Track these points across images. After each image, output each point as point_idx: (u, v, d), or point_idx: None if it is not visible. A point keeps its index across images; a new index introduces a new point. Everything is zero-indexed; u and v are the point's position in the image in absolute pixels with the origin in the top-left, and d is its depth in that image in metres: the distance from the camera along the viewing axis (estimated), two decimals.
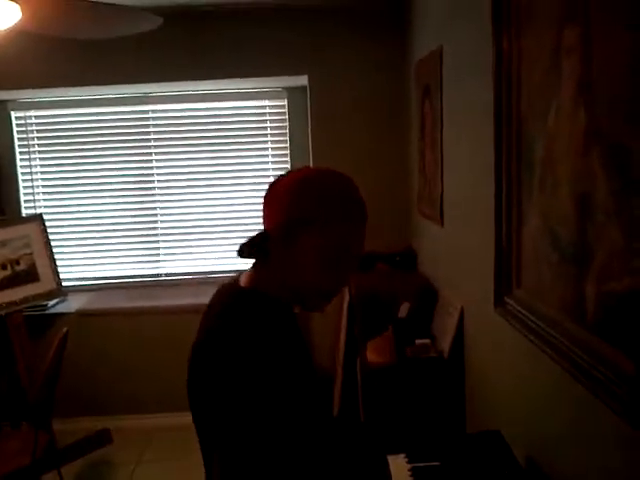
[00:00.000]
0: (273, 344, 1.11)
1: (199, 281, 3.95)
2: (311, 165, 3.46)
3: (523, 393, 1.66)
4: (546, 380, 1.46)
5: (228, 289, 1.25)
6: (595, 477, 1.22)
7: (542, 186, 1.44)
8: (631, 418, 1.01)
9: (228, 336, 1.09)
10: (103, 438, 3.46)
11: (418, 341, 2.42)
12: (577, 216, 1.25)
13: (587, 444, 1.26)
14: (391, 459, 1.62)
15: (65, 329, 2.80)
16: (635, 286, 1.02)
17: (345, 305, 3.41)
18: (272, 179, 1.23)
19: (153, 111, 3.90)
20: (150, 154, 3.93)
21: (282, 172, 1.23)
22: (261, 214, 1.21)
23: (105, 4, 1.93)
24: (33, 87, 3.57)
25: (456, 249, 2.40)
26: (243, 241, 1.21)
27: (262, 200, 1.20)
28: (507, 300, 1.69)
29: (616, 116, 1.08)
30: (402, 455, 1.63)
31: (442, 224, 2.60)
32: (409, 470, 1.56)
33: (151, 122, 3.91)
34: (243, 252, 1.21)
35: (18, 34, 2.12)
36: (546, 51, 1.37)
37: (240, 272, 1.29)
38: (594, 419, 1.20)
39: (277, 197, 1.15)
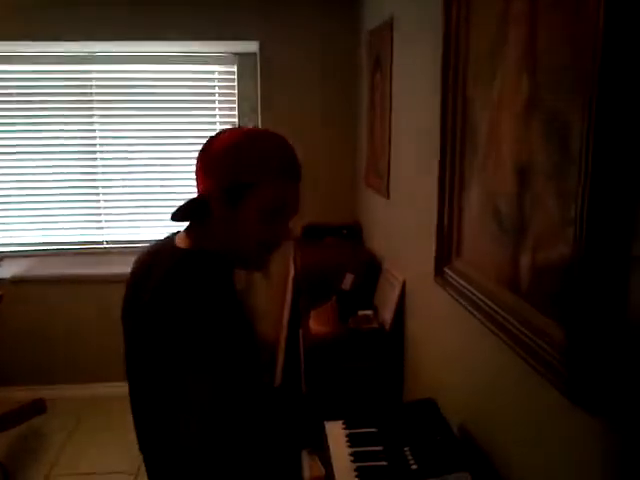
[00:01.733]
0: (219, 303, 1.13)
1: (139, 249, 3.84)
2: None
3: (460, 363, 1.70)
4: (483, 350, 1.49)
5: (168, 250, 1.23)
6: (529, 448, 1.25)
7: (485, 156, 1.45)
8: (564, 388, 1.04)
9: (177, 294, 1.10)
10: (37, 408, 3.37)
11: (361, 312, 2.43)
12: (516, 188, 1.26)
13: (522, 414, 1.28)
14: (329, 425, 1.64)
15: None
16: (567, 254, 1.03)
17: (290, 277, 3.40)
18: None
19: (96, 71, 3.72)
20: (92, 117, 3.76)
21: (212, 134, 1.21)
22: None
23: None
24: None
25: (401, 221, 2.42)
26: (178, 205, 1.21)
27: (198, 163, 1.19)
28: (446, 270, 1.71)
29: (557, 87, 1.09)
30: (340, 422, 1.65)
31: (388, 196, 2.60)
32: (346, 436, 1.58)
33: (94, 83, 3.73)
34: (179, 216, 1.22)
35: None
36: (494, 20, 1.36)
37: (169, 236, 1.27)
38: (530, 389, 1.22)
39: (213, 161, 1.16)
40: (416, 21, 2.14)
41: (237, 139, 1.16)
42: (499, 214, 1.36)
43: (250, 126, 1.29)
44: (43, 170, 3.82)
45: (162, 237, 1.31)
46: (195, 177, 1.21)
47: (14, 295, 3.45)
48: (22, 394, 3.48)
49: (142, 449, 1.24)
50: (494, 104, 1.38)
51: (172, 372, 1.06)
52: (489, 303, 1.40)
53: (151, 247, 1.30)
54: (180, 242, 1.23)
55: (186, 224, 1.26)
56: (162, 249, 1.26)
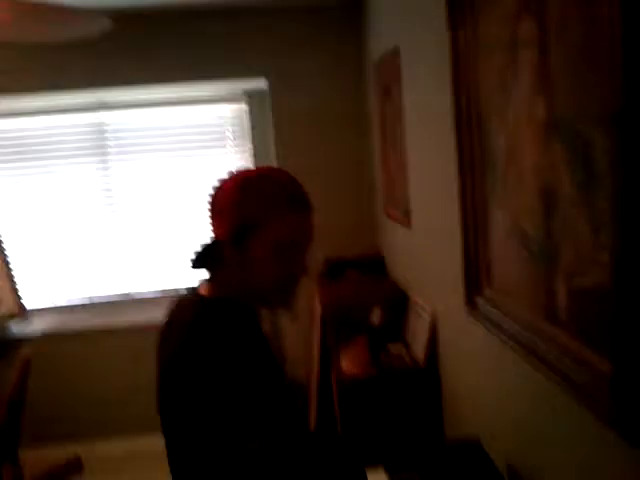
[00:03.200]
0: (247, 350, 1.13)
1: (166, 297, 3.84)
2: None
3: (500, 397, 1.62)
4: (523, 383, 1.42)
5: (191, 301, 1.25)
6: None
7: (506, 183, 1.40)
8: (610, 421, 0.97)
9: (203, 346, 1.10)
10: (74, 466, 3.33)
11: (392, 348, 2.36)
12: (542, 212, 1.21)
13: (568, 449, 1.21)
14: (370, 472, 1.57)
15: (27, 355, 2.68)
16: (603, 280, 0.98)
17: (317, 314, 3.35)
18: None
19: (109, 120, 3.75)
20: (108, 167, 3.79)
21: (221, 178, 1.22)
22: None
23: (48, 5, 1.84)
24: None
25: (424, 251, 2.36)
26: (194, 253, 1.23)
27: (208, 209, 1.21)
28: (478, 300, 1.64)
29: (575, 107, 1.05)
30: (381, 467, 1.58)
31: (409, 226, 2.56)
32: None
33: (107, 133, 3.76)
34: (196, 263, 1.23)
35: None
36: (502, 45, 1.33)
37: (195, 286, 1.27)
38: (574, 422, 1.16)
39: (221, 204, 1.17)
40: (422, 49, 2.12)
41: (240, 180, 1.18)
42: (528, 240, 1.30)
43: (256, 167, 1.29)
44: (65, 224, 3.82)
45: (192, 285, 1.31)
46: (209, 225, 1.22)
47: (45, 351, 3.44)
48: (57, 452, 3.44)
49: None
50: (510, 129, 1.34)
51: (205, 424, 1.05)
52: (525, 333, 1.34)
53: (180, 296, 1.31)
54: (202, 290, 1.24)
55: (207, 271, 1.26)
56: (187, 298, 1.27)
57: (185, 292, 1.31)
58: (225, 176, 1.23)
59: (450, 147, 1.73)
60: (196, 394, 1.07)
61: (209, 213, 1.21)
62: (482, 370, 1.77)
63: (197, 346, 1.11)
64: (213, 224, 1.20)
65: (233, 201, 1.15)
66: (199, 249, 1.24)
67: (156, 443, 1.21)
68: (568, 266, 1.13)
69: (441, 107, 1.85)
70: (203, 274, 1.27)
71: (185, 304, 1.26)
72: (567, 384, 1.14)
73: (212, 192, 1.21)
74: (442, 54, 1.72)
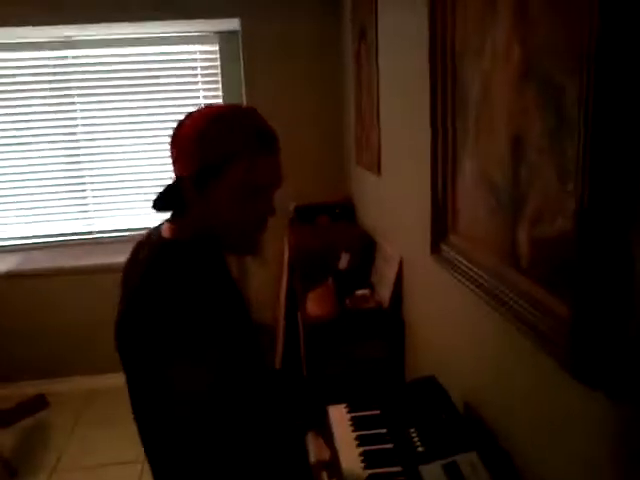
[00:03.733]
0: (204, 293, 1.10)
1: (132, 237, 3.79)
2: None
3: (461, 340, 1.67)
4: (483, 326, 1.47)
5: (151, 243, 1.22)
6: (532, 423, 1.24)
7: (478, 129, 1.40)
8: (567, 363, 1.01)
9: (160, 287, 1.08)
10: (38, 403, 3.36)
11: (358, 292, 2.41)
12: (512, 158, 1.22)
13: (525, 390, 1.26)
14: (332, 409, 1.62)
15: None
16: (567, 228, 1.00)
17: (285, 259, 3.37)
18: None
19: (75, 57, 3.63)
20: (74, 104, 3.68)
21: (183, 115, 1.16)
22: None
23: None
24: None
25: (394, 198, 2.38)
26: (156, 194, 1.19)
27: (170, 147, 1.15)
28: (442, 247, 1.67)
29: (549, 51, 1.04)
30: (343, 405, 1.63)
31: (380, 173, 2.56)
32: (350, 419, 1.56)
33: (73, 69, 3.64)
34: (158, 205, 1.19)
35: None
36: None
37: (159, 225, 1.25)
38: (532, 364, 1.20)
39: (183, 142, 1.11)
40: None
41: (204, 118, 1.10)
42: (495, 187, 1.32)
43: (214, 104, 1.23)
44: (27, 162, 3.74)
45: (155, 225, 1.28)
46: (171, 164, 1.17)
47: (8, 290, 3.42)
48: (22, 390, 3.47)
49: (143, 441, 1.22)
50: (484, 73, 1.33)
51: (163, 365, 1.04)
52: (488, 279, 1.37)
53: (142, 237, 1.28)
54: (165, 231, 1.21)
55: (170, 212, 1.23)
56: (149, 238, 1.24)
57: (148, 232, 1.27)
58: (188, 113, 1.15)
59: (423, 92, 1.71)
60: (152, 333, 1.06)
61: (171, 151, 1.15)
62: (444, 313, 1.81)
63: (154, 287, 1.09)
64: (176, 163, 1.14)
65: (197, 139, 1.08)
66: (161, 190, 1.19)
67: (118, 381, 1.22)
68: (533, 214, 1.15)
69: (416, 49, 1.82)
70: (166, 215, 1.23)
71: (147, 245, 1.22)
72: (527, 328, 1.17)
73: (174, 129, 1.15)
74: None
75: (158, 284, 1.09)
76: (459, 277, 1.54)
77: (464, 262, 1.51)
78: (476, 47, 1.36)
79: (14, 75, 3.62)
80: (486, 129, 1.35)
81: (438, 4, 1.56)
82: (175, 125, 1.15)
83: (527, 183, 1.16)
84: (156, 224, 1.28)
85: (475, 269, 1.45)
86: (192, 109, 1.17)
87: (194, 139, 1.09)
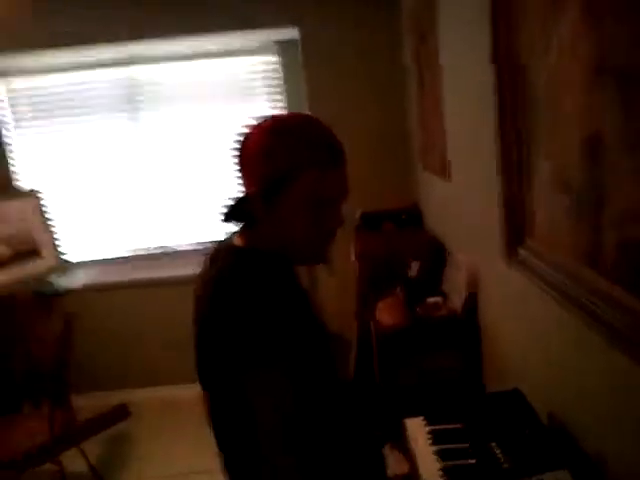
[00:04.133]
0: (281, 300, 1.10)
1: (202, 250, 3.87)
2: None
3: (541, 347, 1.60)
4: (565, 333, 1.40)
5: (224, 253, 1.22)
6: (620, 432, 1.17)
7: (549, 129, 1.34)
8: None
9: (236, 297, 1.07)
10: (120, 413, 3.47)
11: (429, 299, 2.35)
12: (589, 158, 1.15)
13: (610, 398, 1.19)
14: (409, 422, 1.58)
15: (69, 309, 2.77)
16: None
17: (354, 267, 3.35)
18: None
19: (139, 72, 3.73)
20: (139, 119, 3.79)
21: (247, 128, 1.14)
22: None
23: None
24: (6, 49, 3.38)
25: (463, 202, 2.31)
26: (225, 207, 1.20)
27: (236, 162, 1.15)
28: (519, 251, 1.61)
29: (626, 45, 0.98)
30: (420, 418, 1.59)
31: (447, 177, 2.50)
32: (428, 433, 1.51)
33: (139, 87, 3.75)
34: (228, 217, 1.20)
35: None
36: None
37: (227, 238, 1.26)
38: (617, 371, 1.14)
39: (250, 158, 1.11)
40: None
41: (267, 134, 1.09)
42: (572, 188, 1.25)
43: (277, 114, 1.21)
44: (104, 178, 3.87)
45: (224, 237, 1.29)
46: (239, 178, 1.17)
47: (87, 303, 3.55)
48: (103, 400, 3.58)
49: (221, 451, 1.23)
50: (554, 70, 1.27)
51: (238, 375, 1.04)
52: (569, 283, 1.31)
53: (213, 249, 1.29)
54: (237, 241, 1.21)
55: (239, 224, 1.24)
56: (221, 248, 1.25)
57: (217, 246, 1.27)
58: (254, 123, 1.14)
59: (489, 93, 1.66)
60: (231, 341, 1.06)
61: (237, 165, 1.14)
62: (523, 320, 1.74)
63: (232, 294, 1.09)
64: (243, 177, 1.14)
65: (264, 153, 1.07)
66: (230, 203, 1.19)
67: (198, 390, 1.24)
68: (617, 215, 1.08)
69: (479, 50, 1.76)
70: (235, 227, 1.24)
71: (219, 255, 1.23)
72: (610, 332, 1.11)
73: (240, 143, 1.14)
74: None
75: (236, 291, 1.09)
76: (538, 281, 1.47)
77: (542, 266, 1.45)
78: (543, 42, 1.30)
79: (82, 92, 3.75)
80: (558, 128, 1.29)
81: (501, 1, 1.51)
82: (240, 139, 1.14)
83: (608, 183, 1.09)
84: (224, 237, 1.28)
85: (554, 273, 1.38)
86: (256, 120, 1.16)
87: (261, 154, 1.08)
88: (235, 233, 1.24)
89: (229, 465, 1.22)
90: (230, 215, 1.20)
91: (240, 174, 1.15)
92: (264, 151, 1.07)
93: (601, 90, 1.07)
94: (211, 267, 1.21)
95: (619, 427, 1.18)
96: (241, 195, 1.17)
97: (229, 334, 1.06)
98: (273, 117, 1.15)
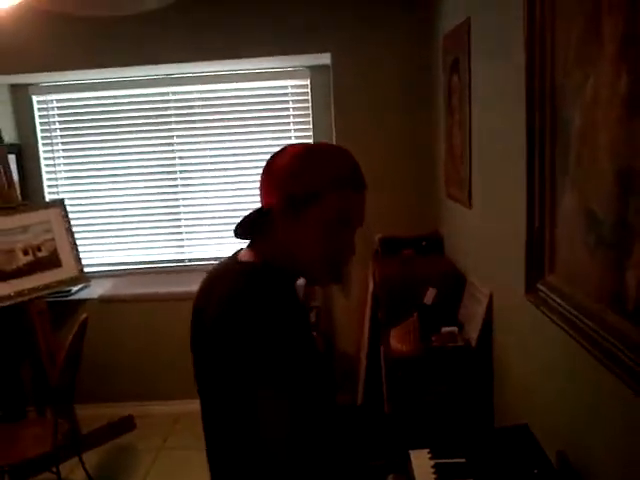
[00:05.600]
0: (285, 314, 1.10)
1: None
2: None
3: (555, 384, 1.56)
4: (580, 373, 1.36)
5: (230, 268, 1.22)
6: (631, 474, 1.12)
7: (579, 162, 1.32)
8: None
9: (244, 307, 1.08)
10: (126, 425, 3.46)
11: (444, 329, 2.31)
12: (618, 193, 1.13)
13: (622, 440, 1.15)
14: (414, 454, 1.54)
15: (84, 316, 2.77)
16: None
17: (370, 291, 3.32)
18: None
19: (174, 93, 3.83)
20: (172, 137, 3.87)
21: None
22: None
23: None
24: (52, 70, 3.51)
25: (485, 232, 2.28)
26: (240, 221, 1.20)
27: (262, 176, 1.18)
28: (539, 286, 1.57)
29: None
30: (426, 450, 1.55)
31: (470, 206, 2.47)
32: (432, 467, 1.47)
33: (172, 104, 3.85)
34: (241, 231, 1.21)
35: (34, 16, 2.08)
36: (584, 10, 1.24)
37: (234, 253, 1.26)
38: (631, 415, 1.10)
39: (276, 174, 1.15)
40: (495, 20, 2.02)
41: (299, 152, 1.15)
42: (597, 225, 1.22)
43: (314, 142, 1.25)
44: (126, 192, 3.95)
45: (228, 255, 1.29)
46: (259, 192, 1.19)
47: (101, 314, 3.56)
48: (110, 411, 3.58)
49: (212, 466, 1.22)
50: (587, 103, 1.25)
51: (239, 388, 1.05)
52: (589, 323, 1.27)
53: (217, 265, 1.29)
54: (243, 257, 1.21)
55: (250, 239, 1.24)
56: (225, 266, 1.24)
57: (222, 262, 1.28)
58: (284, 146, 1.20)
59: (519, 124, 1.64)
60: (228, 356, 1.06)
61: (263, 180, 1.18)
62: (537, 356, 1.70)
63: (235, 306, 1.09)
64: (266, 192, 1.17)
65: (293, 170, 1.12)
66: (246, 215, 1.21)
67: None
68: None
69: (511, 82, 1.76)
70: (242, 244, 1.25)
71: (225, 269, 1.23)
72: (627, 376, 1.08)
73: (270, 160, 1.18)
74: (516, 25, 1.62)
75: (242, 302, 1.08)
76: (556, 319, 1.44)
77: (562, 304, 1.41)
78: (579, 75, 1.28)
79: (117, 111, 3.86)
80: (588, 161, 1.26)
81: (536, 35, 1.50)
82: (271, 155, 1.19)
83: (636, 220, 1.06)
84: (229, 255, 1.28)
85: (574, 312, 1.34)
86: (284, 142, 1.19)
87: (290, 172, 1.12)
88: (239, 250, 1.25)
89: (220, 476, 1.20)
90: (244, 227, 1.22)
91: (264, 189, 1.18)
92: (293, 170, 1.12)
93: (635, 127, 1.05)
94: (214, 286, 1.20)
95: (633, 473, 1.13)
96: (260, 209, 1.18)
97: (231, 348, 1.06)
98: (302, 143, 1.24)
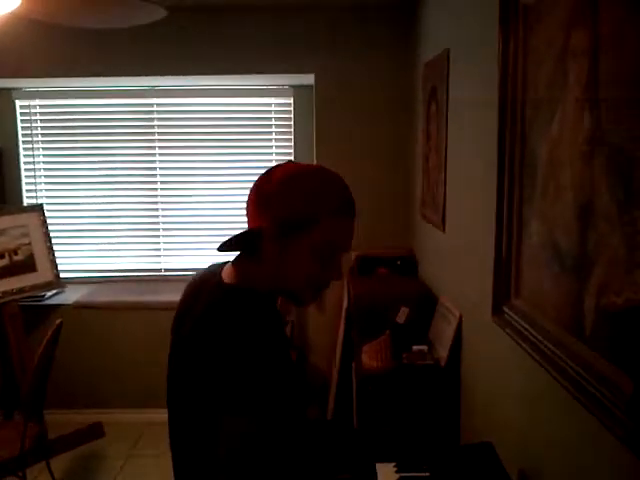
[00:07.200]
0: (261, 341, 1.08)
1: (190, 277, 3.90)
2: (314, 162, 3.40)
3: (518, 405, 1.62)
4: (542, 394, 1.42)
5: (212, 285, 1.21)
6: None
7: (544, 193, 1.40)
8: (629, 440, 0.97)
9: (217, 333, 1.07)
10: (95, 431, 3.44)
11: (415, 347, 2.38)
12: (578, 225, 1.21)
13: (582, 463, 1.21)
14: (380, 467, 1.59)
15: (59, 321, 2.77)
16: (635, 300, 0.97)
17: (344, 308, 3.38)
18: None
19: (158, 104, 3.87)
20: (154, 148, 3.91)
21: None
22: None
23: None
24: (38, 76, 3.55)
25: (457, 255, 2.36)
26: (228, 238, 1.19)
27: (247, 198, 1.17)
28: (505, 309, 1.64)
29: (621, 122, 1.04)
30: (392, 464, 1.60)
31: (444, 229, 2.55)
32: None
33: (155, 115, 3.89)
34: (227, 247, 1.18)
35: (22, 21, 2.11)
36: (553, 54, 1.33)
37: (216, 266, 1.26)
38: (590, 437, 1.16)
39: (270, 194, 1.12)
40: (473, 53, 2.11)
41: (295, 174, 1.13)
42: (560, 254, 1.30)
43: (301, 162, 1.26)
44: (105, 200, 3.97)
45: (208, 267, 1.29)
46: (246, 211, 1.18)
47: (75, 320, 3.55)
48: (80, 417, 3.56)
49: (176, 476, 1.23)
50: (554, 139, 1.33)
51: (207, 408, 1.04)
52: (549, 346, 1.34)
53: (198, 277, 1.29)
54: (226, 276, 1.20)
55: (233, 255, 1.24)
56: (207, 281, 1.24)
57: (203, 275, 1.27)
58: (273, 167, 1.18)
59: (491, 153, 1.72)
60: (199, 376, 1.07)
61: (253, 202, 1.16)
62: (502, 376, 1.77)
63: (211, 329, 1.09)
64: (257, 213, 1.15)
65: (291, 192, 1.10)
66: (236, 234, 1.18)
67: None
68: (600, 284, 1.12)
69: (486, 113, 1.84)
70: (223, 258, 1.24)
71: (206, 285, 1.22)
72: (586, 399, 1.14)
73: (259, 181, 1.17)
74: (491, 59, 1.71)
75: (219, 325, 1.09)
76: (520, 341, 1.51)
77: (526, 327, 1.48)
78: (546, 112, 1.37)
79: (99, 119, 3.88)
80: (553, 194, 1.34)
81: (509, 70, 1.58)
82: (260, 176, 1.17)
83: (594, 252, 1.14)
84: (209, 266, 1.28)
85: (537, 335, 1.42)
86: (265, 157, 1.19)
87: (285, 195, 1.11)
88: (222, 265, 1.24)
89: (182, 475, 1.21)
90: (229, 246, 1.20)
91: (253, 210, 1.16)
92: (288, 193, 1.10)
93: (594, 162, 1.13)
94: (195, 300, 1.20)
95: None
96: (251, 229, 1.16)
97: (202, 368, 1.06)
98: (294, 164, 1.19)
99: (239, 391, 1.02)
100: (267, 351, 1.08)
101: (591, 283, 1.16)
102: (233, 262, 1.22)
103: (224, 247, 1.19)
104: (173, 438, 1.23)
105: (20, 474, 2.64)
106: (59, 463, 3.14)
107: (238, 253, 1.22)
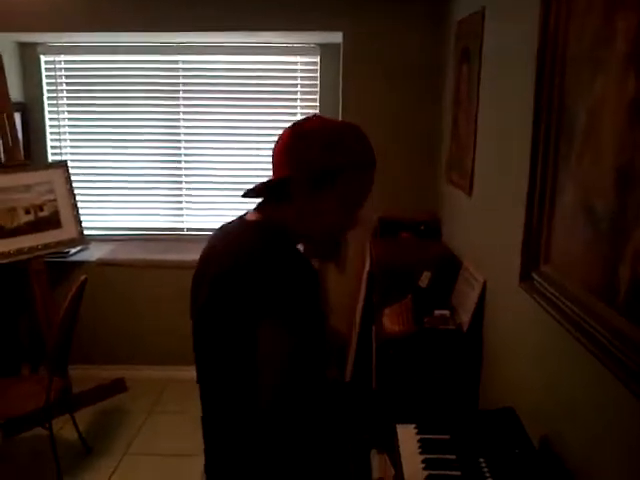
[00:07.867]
0: (301, 266, 1.15)
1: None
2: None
3: (543, 372, 1.61)
4: (568, 361, 1.40)
5: (238, 224, 1.25)
6: (610, 463, 1.17)
7: (582, 157, 1.35)
8: None
9: (256, 256, 1.12)
10: (118, 387, 3.52)
11: (437, 312, 2.36)
12: (617, 189, 1.16)
13: (607, 430, 1.20)
14: (400, 428, 1.59)
15: (83, 277, 2.81)
16: None
17: (365, 271, 3.36)
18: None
19: (183, 62, 3.83)
20: (178, 106, 3.88)
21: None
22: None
23: None
24: (63, 30, 3.49)
25: (483, 220, 2.32)
26: (256, 184, 1.23)
27: (273, 149, 1.22)
28: (533, 275, 1.61)
29: None
30: (412, 426, 1.60)
31: (471, 194, 2.51)
32: (418, 441, 1.53)
33: (181, 73, 3.85)
34: (253, 193, 1.24)
35: None
36: (599, 9, 1.26)
37: (230, 223, 1.29)
38: (617, 405, 1.14)
39: (306, 144, 1.17)
40: (510, 10, 2.03)
41: (328, 127, 1.19)
42: (596, 218, 1.26)
43: (326, 116, 1.28)
44: (130, 157, 3.97)
45: (221, 225, 1.32)
46: (272, 161, 1.22)
47: (98, 277, 3.59)
48: (104, 373, 3.64)
49: (206, 432, 1.27)
50: (596, 100, 1.28)
51: (245, 321, 1.08)
52: (579, 313, 1.32)
53: (222, 227, 1.32)
54: (255, 217, 1.24)
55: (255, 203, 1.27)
56: (232, 226, 1.28)
57: (227, 225, 1.31)
58: (300, 120, 1.23)
59: (525, 117, 1.67)
60: (239, 299, 1.10)
61: (281, 151, 1.20)
62: (527, 343, 1.75)
63: (248, 256, 1.13)
64: (282, 163, 1.19)
65: (324, 143, 1.16)
66: (261, 182, 1.24)
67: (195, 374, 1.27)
68: (636, 249, 1.09)
69: (521, 74, 1.78)
70: (250, 205, 1.27)
71: (232, 228, 1.26)
72: (615, 366, 1.12)
73: (287, 132, 1.21)
74: (531, 17, 1.64)
75: (255, 252, 1.13)
76: (548, 308, 1.48)
77: (555, 293, 1.46)
78: (589, 72, 1.31)
79: (128, 76, 3.85)
80: (591, 157, 1.29)
81: (550, 29, 1.52)
82: (291, 125, 1.21)
83: (633, 217, 1.10)
84: (221, 226, 1.32)
85: (566, 301, 1.39)
86: (290, 117, 1.22)
87: (320, 145, 1.16)
88: (245, 214, 1.27)
89: (214, 425, 1.24)
90: (256, 192, 1.24)
91: (280, 159, 1.20)
92: (324, 142, 1.16)
93: (636, 126, 1.08)
94: (227, 238, 1.23)
95: (612, 462, 1.18)
96: (280, 177, 1.20)
97: (244, 291, 1.09)
98: (326, 117, 1.24)
99: (278, 299, 1.07)
100: (305, 276, 1.14)
101: (627, 249, 1.12)
102: (256, 207, 1.26)
103: (250, 193, 1.24)
104: (203, 390, 1.25)
105: (47, 425, 2.71)
106: (83, 416, 3.22)
107: (258, 202, 1.27)
